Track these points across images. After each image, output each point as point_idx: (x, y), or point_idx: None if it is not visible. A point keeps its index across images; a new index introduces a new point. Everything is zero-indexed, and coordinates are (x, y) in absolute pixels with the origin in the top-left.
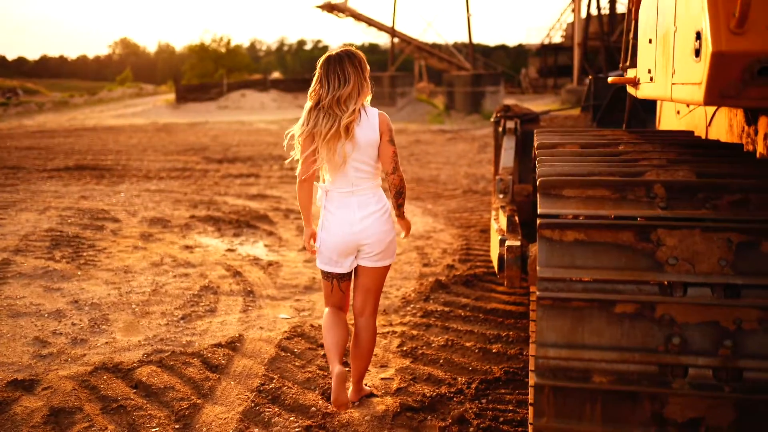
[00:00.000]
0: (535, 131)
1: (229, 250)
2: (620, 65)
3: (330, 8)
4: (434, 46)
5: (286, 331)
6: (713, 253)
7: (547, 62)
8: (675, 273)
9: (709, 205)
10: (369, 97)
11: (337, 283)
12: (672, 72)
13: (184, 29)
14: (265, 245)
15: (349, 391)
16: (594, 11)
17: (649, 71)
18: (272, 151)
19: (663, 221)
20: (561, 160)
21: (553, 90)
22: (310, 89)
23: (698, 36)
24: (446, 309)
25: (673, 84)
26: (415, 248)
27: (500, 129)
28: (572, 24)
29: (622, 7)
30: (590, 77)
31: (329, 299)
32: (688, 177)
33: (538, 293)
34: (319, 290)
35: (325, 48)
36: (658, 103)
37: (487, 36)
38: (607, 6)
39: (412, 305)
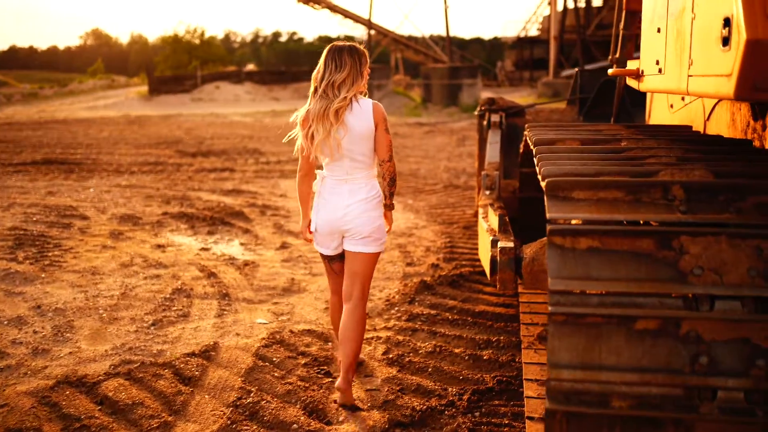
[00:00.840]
0: (527, 126)
1: (203, 249)
2: (609, 57)
3: (306, 0)
4: (410, 38)
5: (264, 338)
6: (742, 262)
7: (523, 55)
8: (700, 285)
9: (733, 209)
10: (364, 92)
11: (329, 264)
12: (689, 62)
13: (158, 20)
14: (241, 244)
15: (338, 380)
16: (570, 4)
17: (657, 62)
18: (247, 145)
19: (685, 227)
20: (563, 158)
21: (529, 83)
22: (313, 75)
23: (727, 23)
24: (432, 312)
25: (690, 76)
26: (398, 246)
27: (484, 122)
28: (548, 17)
29: (598, 0)
30: (576, 69)
31: (329, 281)
32: (706, 177)
33: (549, 308)
34: (297, 292)
35: (301, 40)
36: (648, 96)
37: (463, 29)
38: None
39: (396, 308)
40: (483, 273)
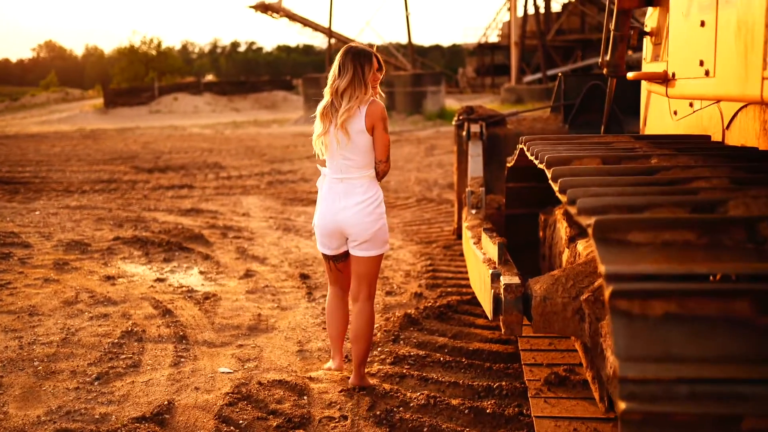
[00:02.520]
0: (523, 140)
1: (159, 279)
2: (600, 60)
3: (264, 8)
4: (371, 46)
5: (227, 393)
6: None
7: (484, 61)
8: None
9: None
10: (368, 93)
11: (333, 264)
12: (763, 63)
13: (114, 32)
14: (201, 272)
15: (351, 377)
16: (531, 10)
17: (702, 63)
18: (207, 158)
19: None
20: (591, 184)
21: (491, 89)
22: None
23: None
24: (421, 353)
25: (766, 79)
26: None
27: (463, 133)
28: (508, 23)
29: (557, 5)
30: (560, 74)
31: (330, 277)
32: None
33: (621, 404)
34: (265, 331)
35: (260, 50)
36: (643, 102)
37: (422, 36)
38: (543, 4)
39: (379, 348)
40: (472, 302)
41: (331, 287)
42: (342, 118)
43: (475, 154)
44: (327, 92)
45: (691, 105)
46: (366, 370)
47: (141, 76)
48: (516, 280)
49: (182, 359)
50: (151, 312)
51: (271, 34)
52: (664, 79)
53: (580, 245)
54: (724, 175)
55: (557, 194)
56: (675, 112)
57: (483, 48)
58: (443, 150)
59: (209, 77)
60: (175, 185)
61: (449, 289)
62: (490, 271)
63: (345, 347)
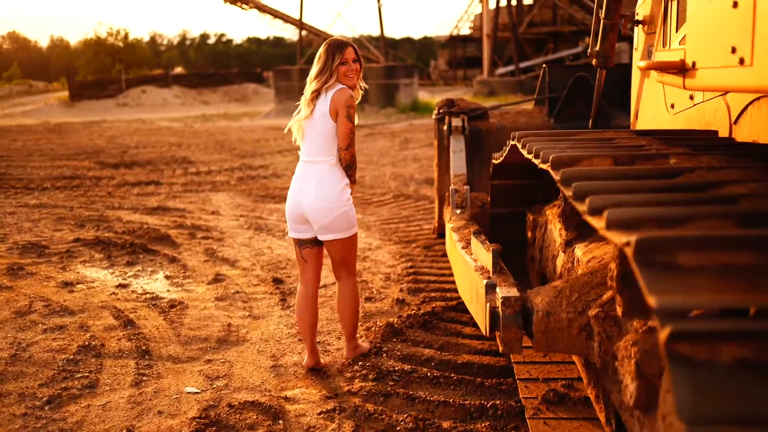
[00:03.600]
0: (515, 136)
1: (121, 285)
2: (589, 50)
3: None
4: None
5: (194, 417)
6: None
7: (456, 54)
8: None
9: None
10: (334, 80)
11: (299, 249)
12: None
13: (80, 22)
14: (167, 277)
15: (344, 350)
16: (503, 2)
17: (734, 50)
18: (175, 153)
19: None
20: (612, 190)
21: (463, 81)
22: None
23: None
24: (406, 367)
25: None
26: None
27: (444, 127)
28: (480, 15)
29: None
30: (544, 66)
31: (300, 270)
32: None
33: None
34: (236, 343)
35: (230, 42)
36: (634, 94)
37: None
38: None
39: (361, 362)
40: (458, 308)
41: (300, 285)
42: (308, 96)
43: (457, 149)
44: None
45: (691, 98)
46: (348, 378)
47: (108, 69)
48: (514, 292)
49: (144, 377)
50: (111, 323)
51: (242, 26)
52: (681, 69)
53: (579, 250)
54: (757, 177)
55: (572, 201)
56: (672, 105)
57: (455, 40)
58: (418, 143)
59: (178, 69)
60: (141, 181)
61: (433, 294)
62: (485, 282)
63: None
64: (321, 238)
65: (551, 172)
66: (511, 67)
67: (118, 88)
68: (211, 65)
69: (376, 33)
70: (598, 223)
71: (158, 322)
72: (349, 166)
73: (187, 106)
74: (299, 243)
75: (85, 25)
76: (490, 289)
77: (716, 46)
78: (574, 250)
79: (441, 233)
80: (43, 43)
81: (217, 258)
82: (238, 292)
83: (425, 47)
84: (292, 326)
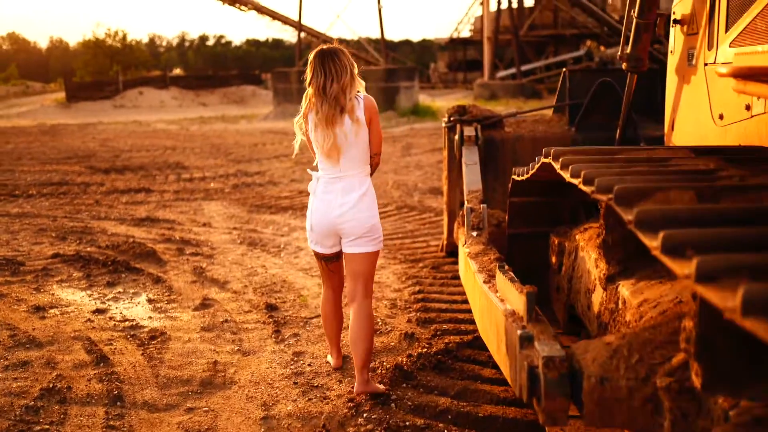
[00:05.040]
0: (552, 154)
1: (98, 311)
2: (619, 53)
3: (232, 1)
4: (342, 41)
5: None
6: None
7: (456, 56)
8: None
9: None
10: (363, 86)
11: (326, 264)
12: None
13: (80, 24)
14: (149, 300)
15: (355, 385)
16: (504, 4)
17: None
18: (169, 158)
19: None
20: (717, 242)
21: (463, 84)
22: (307, 81)
23: None
24: (419, 422)
25: None
26: None
27: (455, 136)
28: (481, 17)
29: (529, 0)
30: (564, 70)
31: (322, 277)
32: None
33: None
34: (222, 387)
35: (228, 43)
36: (670, 103)
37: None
38: None
39: (366, 414)
40: (474, 345)
41: (324, 289)
42: (349, 105)
43: (471, 161)
44: (318, 99)
45: (748, 108)
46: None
47: (105, 70)
48: (558, 350)
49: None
50: (82, 359)
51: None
52: None
53: (625, 289)
54: None
55: (661, 254)
56: (721, 116)
57: (455, 43)
58: (420, 149)
59: (177, 71)
60: (131, 188)
61: (445, 327)
62: (519, 333)
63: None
64: (354, 250)
65: (617, 208)
66: (512, 70)
67: (115, 90)
68: (210, 67)
69: (375, 35)
70: (716, 298)
71: (135, 357)
72: (373, 170)
73: (184, 108)
74: (325, 258)
75: (85, 26)
76: (526, 342)
77: None
78: (617, 287)
79: (450, 251)
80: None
81: (206, 278)
82: (227, 320)
83: (424, 50)
84: (287, 365)
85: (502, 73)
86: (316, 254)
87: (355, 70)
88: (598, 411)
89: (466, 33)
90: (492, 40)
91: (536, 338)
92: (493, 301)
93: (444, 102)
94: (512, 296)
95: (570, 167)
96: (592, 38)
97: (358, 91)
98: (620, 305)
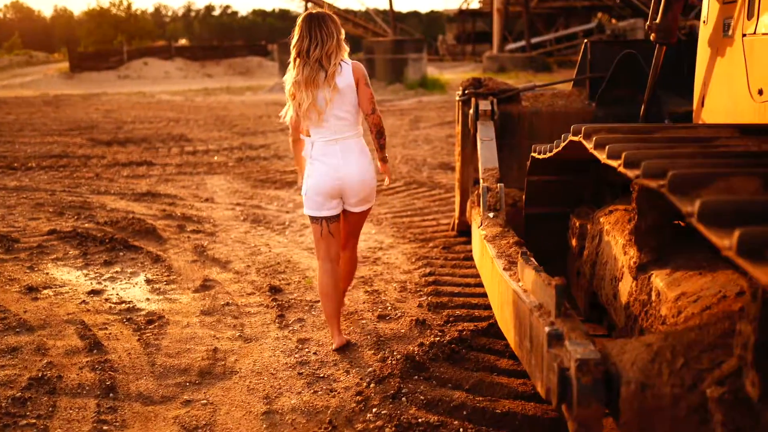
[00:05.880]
0: (584, 131)
1: (93, 292)
2: (648, 23)
3: None
4: (349, 11)
5: None
6: None
7: (465, 28)
8: None
9: None
10: (347, 52)
11: (327, 224)
12: None
13: None
14: (148, 281)
15: (335, 343)
16: None
17: None
18: (172, 130)
19: None
20: None
21: (472, 57)
22: (292, 43)
23: None
24: (432, 419)
25: None
26: (362, 281)
27: (470, 110)
28: None
29: None
30: (586, 41)
31: (320, 247)
32: None
33: None
34: (222, 377)
35: (235, 13)
36: (699, 77)
37: (399, 2)
38: None
39: (375, 409)
40: (489, 332)
41: (321, 263)
42: (332, 70)
43: (487, 137)
44: (306, 59)
45: None
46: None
47: (109, 40)
48: (592, 351)
49: (105, 427)
50: (75, 344)
51: None
52: None
53: (659, 279)
54: None
55: (737, 257)
56: (760, 92)
57: (464, 15)
58: (429, 122)
59: (182, 41)
60: (133, 161)
61: (458, 312)
62: (547, 329)
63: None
64: (357, 209)
65: (672, 197)
66: (521, 43)
67: (120, 60)
68: (215, 38)
69: (383, 6)
70: None
71: (131, 344)
72: (380, 132)
73: (189, 79)
74: (327, 219)
75: None
76: (555, 340)
77: None
78: (650, 277)
79: (462, 230)
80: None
81: (207, 258)
82: (228, 303)
83: (432, 21)
84: (291, 353)
85: (511, 46)
86: (317, 219)
87: (342, 36)
88: (637, 420)
89: (475, 5)
90: (501, 12)
91: (566, 336)
92: (516, 292)
93: (452, 75)
94: (537, 287)
95: (607, 147)
96: (604, 10)
97: (343, 59)
98: (653, 297)
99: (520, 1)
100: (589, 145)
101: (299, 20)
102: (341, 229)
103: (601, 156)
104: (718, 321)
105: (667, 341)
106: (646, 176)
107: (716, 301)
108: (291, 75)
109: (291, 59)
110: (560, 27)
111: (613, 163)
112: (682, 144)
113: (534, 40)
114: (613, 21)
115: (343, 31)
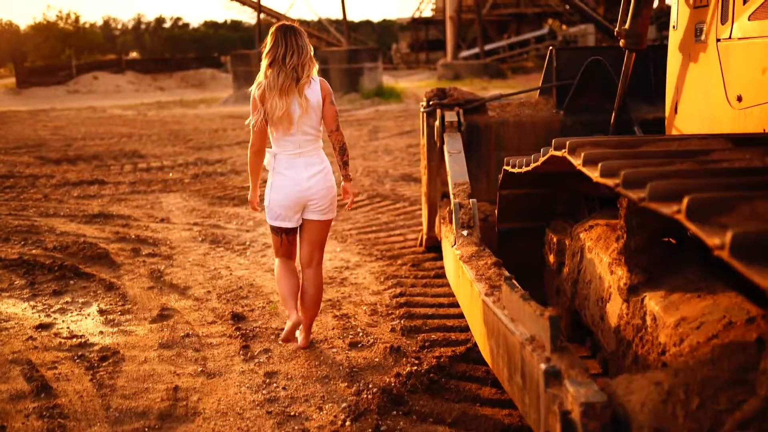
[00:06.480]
0: (568, 146)
1: (41, 326)
2: (617, 29)
3: None
4: (303, 21)
5: None
6: None
7: (419, 37)
8: None
9: None
10: (316, 68)
11: (286, 236)
12: None
13: (29, 6)
14: (101, 311)
15: (300, 338)
16: None
17: None
18: (125, 146)
19: None
20: None
21: (426, 65)
22: (266, 51)
23: None
24: None
25: None
26: (329, 304)
27: (435, 122)
28: None
29: None
30: (551, 48)
31: (279, 251)
32: None
33: None
34: (184, 419)
35: (186, 25)
36: (671, 83)
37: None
38: None
39: None
40: (468, 358)
41: (281, 260)
42: (304, 81)
43: (454, 150)
44: (281, 67)
45: None
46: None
47: (57, 54)
48: (598, 393)
49: None
50: (20, 388)
51: (198, 10)
52: None
53: (654, 302)
54: None
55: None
56: (739, 98)
57: (417, 23)
58: (387, 132)
59: (133, 54)
60: (84, 180)
61: (433, 336)
62: (543, 367)
63: None
64: (320, 218)
65: (691, 226)
66: (475, 50)
67: (69, 75)
68: (167, 50)
69: (335, 16)
70: None
71: (83, 385)
72: (343, 148)
73: (141, 93)
74: (286, 231)
75: (35, 8)
76: (553, 379)
77: None
78: (643, 300)
79: (430, 246)
80: None
81: (164, 284)
82: (188, 335)
83: (385, 30)
84: (258, 389)
85: (465, 53)
86: (278, 229)
87: (312, 52)
88: None
89: (428, 12)
90: (454, 20)
91: (565, 374)
92: (503, 322)
93: (408, 83)
94: (527, 318)
95: (600, 165)
96: (554, 17)
97: (312, 75)
98: (649, 322)
99: (472, 8)
100: (577, 162)
101: (273, 29)
102: (303, 239)
103: (593, 174)
104: (732, 354)
105: (679, 378)
106: (655, 199)
107: (722, 328)
108: (262, 81)
109: (263, 66)
110: (512, 33)
111: (609, 183)
112: (678, 159)
113: (487, 47)
114: (564, 27)
115: (307, 43)
